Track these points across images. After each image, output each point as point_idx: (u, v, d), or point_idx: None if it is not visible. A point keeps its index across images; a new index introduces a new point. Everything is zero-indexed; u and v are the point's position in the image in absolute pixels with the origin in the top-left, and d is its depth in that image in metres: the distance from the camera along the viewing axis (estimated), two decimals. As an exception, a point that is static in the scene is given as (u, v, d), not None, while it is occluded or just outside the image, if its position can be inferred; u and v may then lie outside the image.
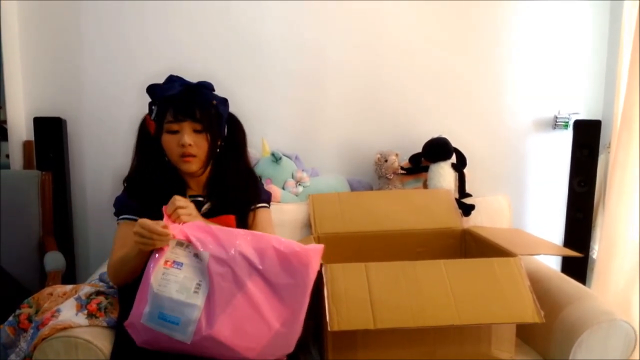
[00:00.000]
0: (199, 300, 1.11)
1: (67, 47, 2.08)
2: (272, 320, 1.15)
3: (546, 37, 2.25)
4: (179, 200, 1.22)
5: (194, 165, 1.35)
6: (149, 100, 1.37)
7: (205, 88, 1.37)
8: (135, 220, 1.20)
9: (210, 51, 2.12)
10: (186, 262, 1.14)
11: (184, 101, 1.32)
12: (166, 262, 1.14)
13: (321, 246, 1.20)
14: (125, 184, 1.41)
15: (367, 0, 2.15)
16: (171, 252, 1.15)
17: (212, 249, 1.14)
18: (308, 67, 2.17)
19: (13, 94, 2.04)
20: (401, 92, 2.22)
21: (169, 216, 1.19)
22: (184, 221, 1.20)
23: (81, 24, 2.07)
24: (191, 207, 1.25)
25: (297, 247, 1.17)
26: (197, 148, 1.33)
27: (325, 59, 2.17)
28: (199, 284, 1.13)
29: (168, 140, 1.33)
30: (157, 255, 1.15)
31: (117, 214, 1.39)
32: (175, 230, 1.16)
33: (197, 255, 1.15)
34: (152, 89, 1.35)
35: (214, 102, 1.36)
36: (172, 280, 1.12)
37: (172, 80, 1.36)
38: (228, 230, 1.20)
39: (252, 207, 1.45)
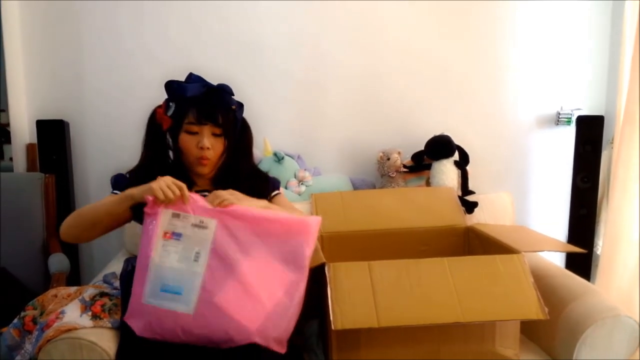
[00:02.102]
0: (200, 268, 1.16)
1: (69, 50, 2.08)
2: (275, 289, 1.18)
3: (548, 33, 2.24)
4: (220, 192, 1.23)
5: (207, 168, 1.37)
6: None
7: (225, 92, 1.36)
8: None
9: (212, 52, 2.12)
10: (184, 232, 1.18)
11: (206, 104, 1.32)
12: (165, 234, 1.17)
13: (319, 218, 1.28)
14: (130, 173, 1.39)
15: (367, 0, 2.16)
16: (169, 224, 1.18)
17: (218, 217, 1.18)
18: (309, 67, 2.17)
19: (16, 97, 2.05)
20: (403, 91, 2.22)
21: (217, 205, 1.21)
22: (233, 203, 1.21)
23: (82, 26, 2.07)
24: (231, 191, 1.25)
25: (298, 218, 1.27)
26: (213, 152, 1.34)
27: (326, 58, 2.17)
28: (198, 253, 1.17)
29: (187, 140, 1.34)
30: (150, 231, 1.17)
31: (113, 186, 1.37)
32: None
33: (195, 225, 1.18)
34: (171, 86, 1.33)
35: (233, 107, 1.37)
36: (172, 251, 1.17)
37: (194, 80, 1.34)
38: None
39: (268, 198, 1.45)
